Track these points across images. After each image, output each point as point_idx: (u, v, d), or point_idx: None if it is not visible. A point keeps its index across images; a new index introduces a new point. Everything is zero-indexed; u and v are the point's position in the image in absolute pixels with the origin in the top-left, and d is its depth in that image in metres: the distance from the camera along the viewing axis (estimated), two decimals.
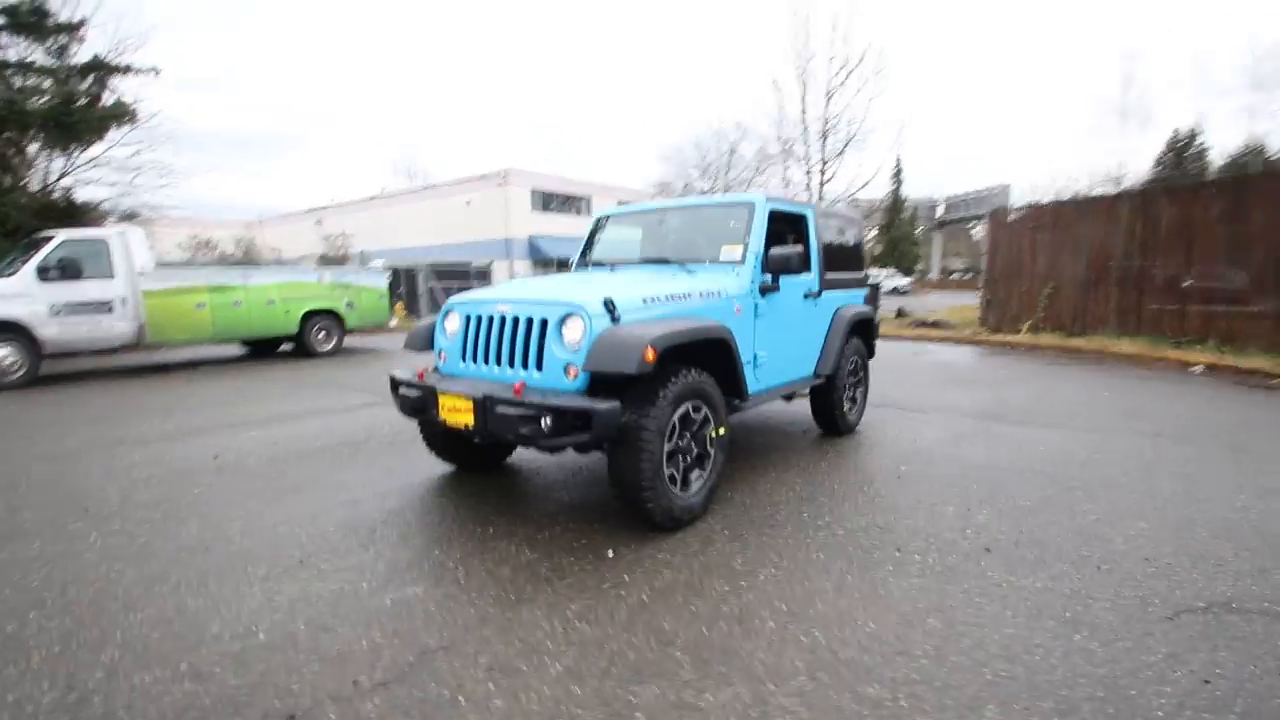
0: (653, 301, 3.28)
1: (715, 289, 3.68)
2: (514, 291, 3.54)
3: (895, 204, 49.08)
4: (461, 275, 22.40)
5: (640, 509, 3.06)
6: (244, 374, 9.16)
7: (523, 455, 4.55)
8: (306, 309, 10.93)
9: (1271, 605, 2.46)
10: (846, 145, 18.66)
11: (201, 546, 3.08)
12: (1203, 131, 35.05)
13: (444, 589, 2.63)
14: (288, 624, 2.36)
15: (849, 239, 5.32)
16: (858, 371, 5.28)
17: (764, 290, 4.00)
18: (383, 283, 12.23)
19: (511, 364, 3.26)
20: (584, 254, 4.89)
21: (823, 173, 18.95)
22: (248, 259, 23.10)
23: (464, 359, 3.50)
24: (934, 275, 54.14)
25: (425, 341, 3.81)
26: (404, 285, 20.50)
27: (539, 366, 3.14)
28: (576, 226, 32.49)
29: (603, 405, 2.77)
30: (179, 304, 9.38)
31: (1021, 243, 13.44)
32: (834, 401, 4.91)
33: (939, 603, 2.49)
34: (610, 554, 2.95)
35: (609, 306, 3.05)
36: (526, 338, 3.20)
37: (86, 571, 2.82)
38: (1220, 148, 32.57)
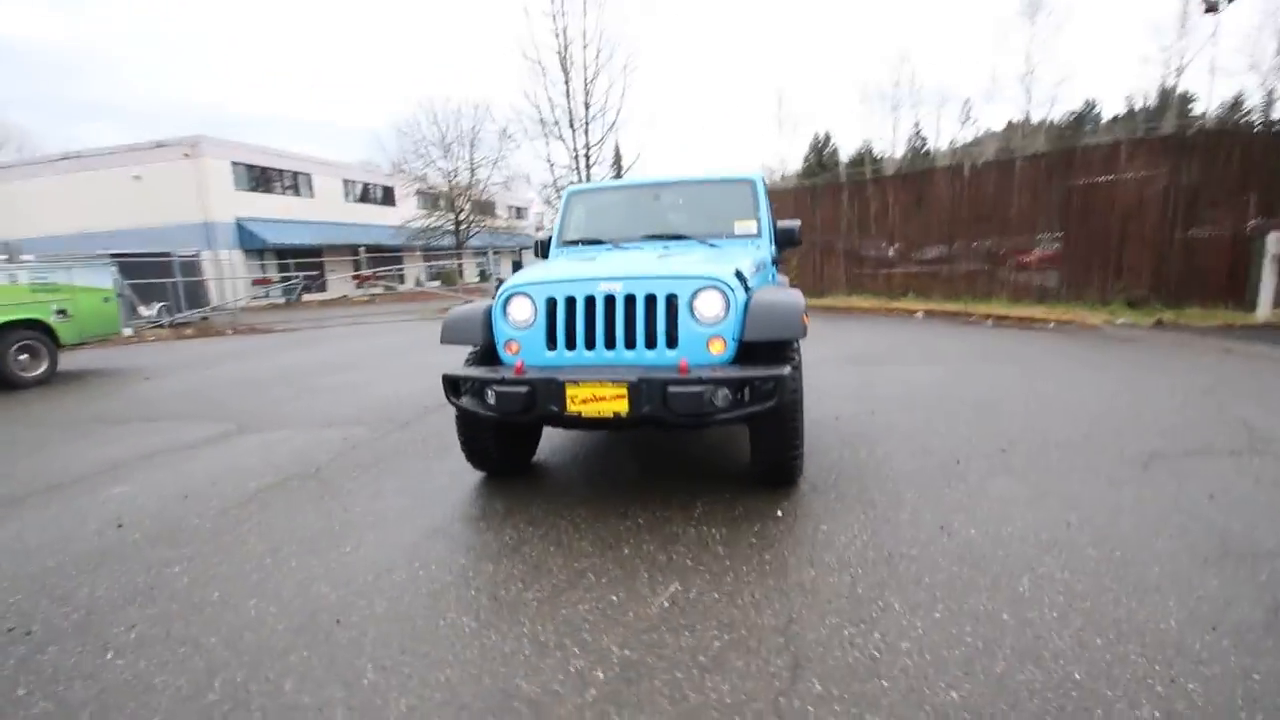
0: (752, 273, 3.43)
1: (761, 260, 3.94)
2: (601, 269, 3.29)
3: None
4: (160, 269, 17.75)
5: (786, 470, 3.25)
6: None
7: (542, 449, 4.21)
8: None
9: (1176, 450, 3.79)
10: (607, 132, 19.71)
11: (319, 628, 2.31)
12: (833, 137, 45.59)
13: (697, 580, 2.50)
14: (606, 655, 2.04)
15: None
16: None
17: (774, 262, 4.39)
18: (107, 280, 9.18)
19: (629, 345, 3.10)
20: (561, 232, 4.62)
21: (588, 157, 19.73)
22: None
23: (551, 346, 3.17)
24: None
25: (480, 333, 3.30)
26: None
27: (670, 344, 3.06)
28: (298, 208, 27.96)
29: (785, 370, 2.88)
30: None
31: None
32: None
33: (1043, 491, 3.26)
34: (779, 513, 3.09)
35: (741, 278, 3.13)
36: (649, 316, 3.07)
37: (170, 694, 1.93)
38: (845, 149, 43.26)
